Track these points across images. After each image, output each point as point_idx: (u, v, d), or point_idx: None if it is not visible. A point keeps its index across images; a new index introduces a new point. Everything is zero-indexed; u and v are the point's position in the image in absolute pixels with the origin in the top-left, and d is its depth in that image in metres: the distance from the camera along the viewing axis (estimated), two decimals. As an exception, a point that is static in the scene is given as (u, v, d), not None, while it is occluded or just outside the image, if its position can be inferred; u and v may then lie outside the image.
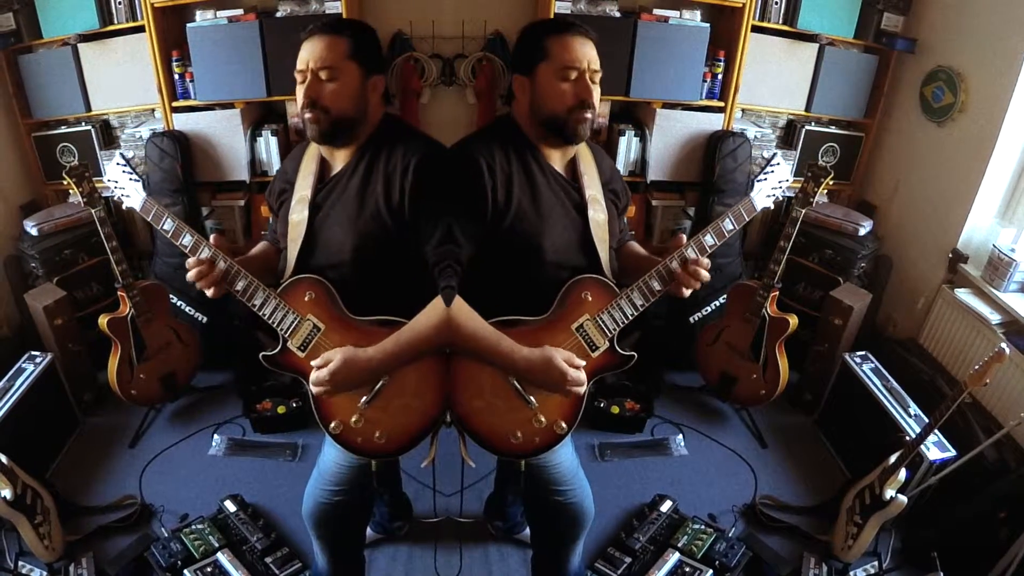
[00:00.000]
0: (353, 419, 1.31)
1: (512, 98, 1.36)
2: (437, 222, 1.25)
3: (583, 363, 1.26)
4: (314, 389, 1.26)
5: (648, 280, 1.29)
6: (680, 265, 1.28)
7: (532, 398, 1.30)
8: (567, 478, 1.51)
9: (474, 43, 2.74)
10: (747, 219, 1.35)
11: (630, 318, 1.30)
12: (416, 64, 2.72)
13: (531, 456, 1.37)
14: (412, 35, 2.70)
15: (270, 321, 1.30)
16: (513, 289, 1.30)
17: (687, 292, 1.29)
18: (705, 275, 1.29)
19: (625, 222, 1.57)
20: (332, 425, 1.32)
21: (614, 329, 1.30)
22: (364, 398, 1.29)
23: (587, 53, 1.27)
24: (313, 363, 1.26)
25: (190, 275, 1.27)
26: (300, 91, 1.26)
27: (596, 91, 1.28)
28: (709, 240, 1.30)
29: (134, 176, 1.41)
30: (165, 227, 1.32)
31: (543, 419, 1.32)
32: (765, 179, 1.39)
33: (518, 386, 1.30)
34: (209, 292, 1.28)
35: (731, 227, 1.32)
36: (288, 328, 1.30)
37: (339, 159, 1.34)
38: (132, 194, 1.39)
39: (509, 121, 1.36)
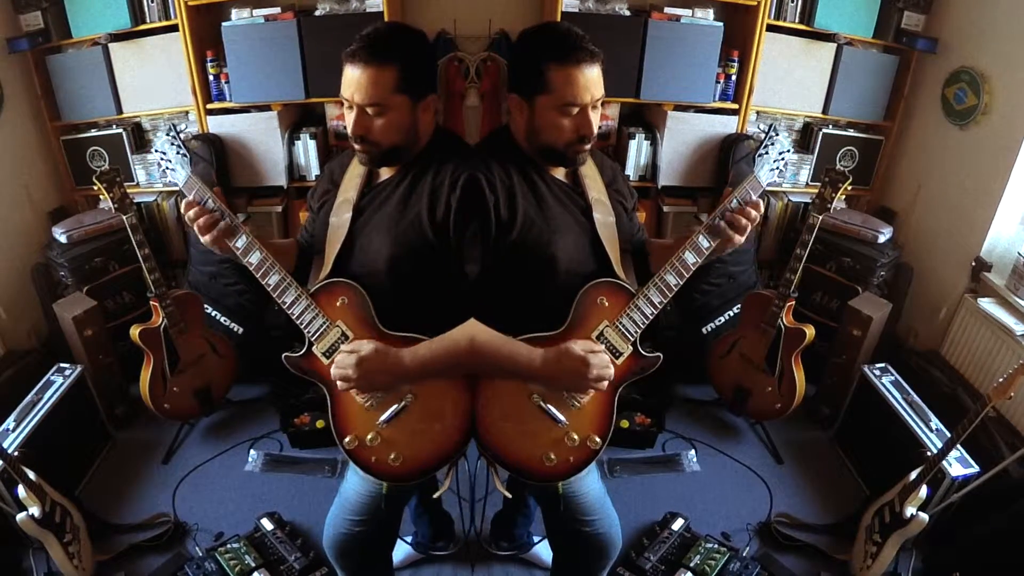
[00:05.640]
0: (369, 436, 1.26)
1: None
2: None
3: (602, 347, 1.23)
4: (335, 372, 1.20)
5: (663, 276, 1.26)
6: (703, 248, 1.26)
7: (561, 415, 1.27)
8: (595, 507, 1.46)
9: (478, 43, 2.67)
10: (754, 197, 1.31)
11: (650, 318, 1.26)
12: (460, 65, 2.65)
13: (568, 477, 1.34)
14: (456, 34, 2.63)
15: (298, 322, 1.26)
16: (529, 303, 1.27)
17: (739, 240, 1.26)
18: (755, 215, 1.26)
19: (637, 220, 1.53)
20: (347, 440, 1.27)
21: (635, 332, 1.27)
22: (384, 415, 1.25)
23: (590, 84, 1.18)
24: (342, 347, 1.22)
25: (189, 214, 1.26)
26: (348, 119, 1.22)
27: (597, 117, 1.24)
28: (721, 224, 1.28)
29: (183, 151, 1.40)
30: (207, 208, 1.30)
31: (576, 436, 1.28)
32: (766, 153, 1.36)
33: (544, 405, 1.26)
34: (205, 238, 1.27)
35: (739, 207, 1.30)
36: (316, 332, 1.26)
37: (387, 168, 1.33)
38: (178, 168, 1.37)
39: (506, 134, 1.32)
